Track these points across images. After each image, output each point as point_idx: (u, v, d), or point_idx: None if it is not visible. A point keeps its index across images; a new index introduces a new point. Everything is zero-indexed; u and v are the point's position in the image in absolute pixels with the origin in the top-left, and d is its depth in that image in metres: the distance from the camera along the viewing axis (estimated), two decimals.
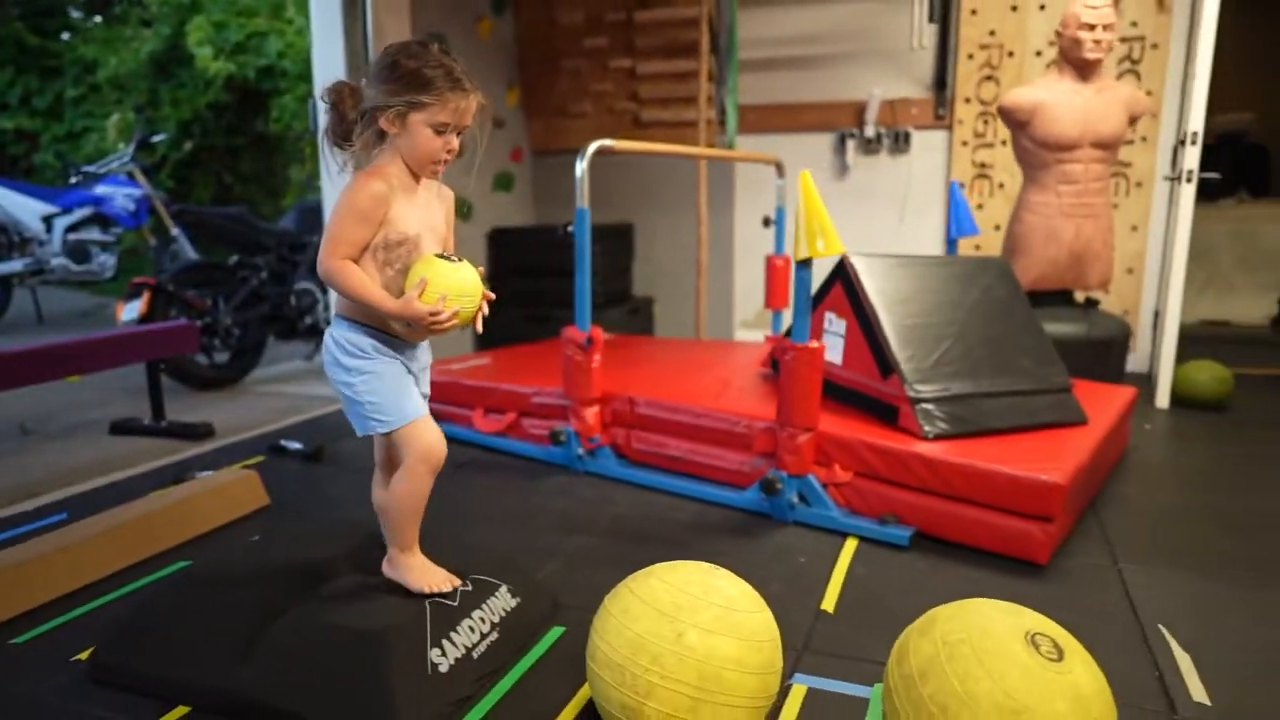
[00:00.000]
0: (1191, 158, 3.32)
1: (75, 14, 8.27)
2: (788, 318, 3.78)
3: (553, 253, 4.62)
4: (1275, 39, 6.47)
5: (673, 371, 3.13)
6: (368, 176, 1.45)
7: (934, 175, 4.42)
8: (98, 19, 8.10)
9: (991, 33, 4.18)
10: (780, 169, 3.59)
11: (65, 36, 7.96)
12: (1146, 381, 3.78)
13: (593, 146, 2.61)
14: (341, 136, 1.50)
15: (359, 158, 1.51)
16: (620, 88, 4.85)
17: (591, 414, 2.71)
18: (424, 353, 1.61)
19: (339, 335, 1.51)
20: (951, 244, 3.13)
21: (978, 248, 4.28)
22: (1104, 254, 3.24)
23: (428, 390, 1.62)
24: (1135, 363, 4.06)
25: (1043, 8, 4.07)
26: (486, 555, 1.76)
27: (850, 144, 4.49)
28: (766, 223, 3.71)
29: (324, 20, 3.64)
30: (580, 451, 2.72)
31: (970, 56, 4.24)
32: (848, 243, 4.56)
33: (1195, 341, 4.96)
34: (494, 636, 1.58)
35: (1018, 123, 3.21)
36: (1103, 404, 2.67)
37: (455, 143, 1.48)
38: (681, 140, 4.42)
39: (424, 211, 1.52)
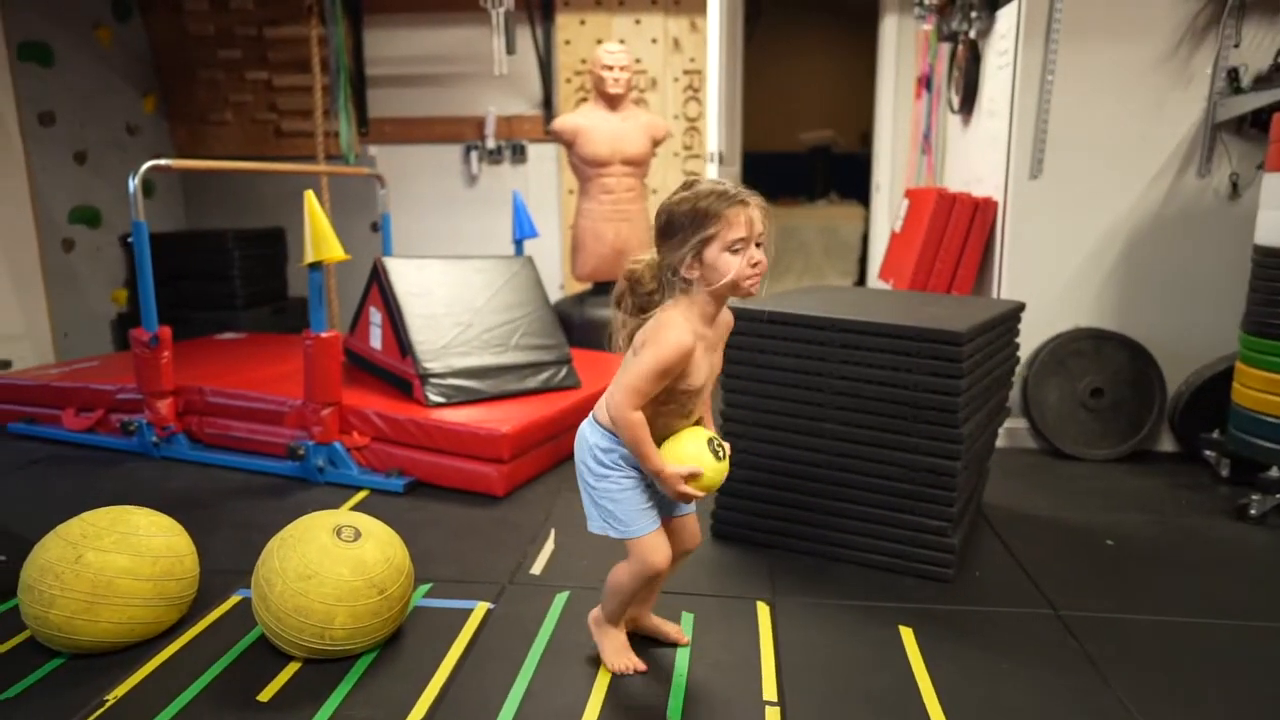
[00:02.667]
0: (711, 172, 4.14)
1: None
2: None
3: (193, 257, 4.77)
4: (861, 69, 7.86)
5: (252, 363, 3.45)
6: (680, 331, 1.45)
7: (548, 182, 5.06)
8: None
9: (583, 60, 4.87)
10: (381, 181, 4.02)
11: None
12: None
13: (145, 165, 2.89)
14: (640, 310, 1.53)
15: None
16: (260, 98, 5.07)
17: (165, 405, 3.01)
18: None
19: (595, 440, 1.56)
20: (517, 244, 3.73)
21: None
22: (640, 251, 3.98)
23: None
24: None
25: (622, 41, 4.81)
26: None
27: (475, 154, 5.03)
28: (374, 227, 4.13)
29: None
30: (154, 439, 3.00)
31: (568, 80, 4.91)
32: (476, 244, 5.09)
33: None
34: None
35: (565, 143, 3.88)
36: (612, 371, 3.36)
37: (759, 254, 1.47)
38: (313, 150, 4.73)
39: (713, 354, 1.55)
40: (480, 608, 1.93)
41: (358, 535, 1.73)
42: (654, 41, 4.84)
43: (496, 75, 4.26)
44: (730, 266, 1.44)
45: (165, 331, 2.99)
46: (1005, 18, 3.11)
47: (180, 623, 1.85)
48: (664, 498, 1.59)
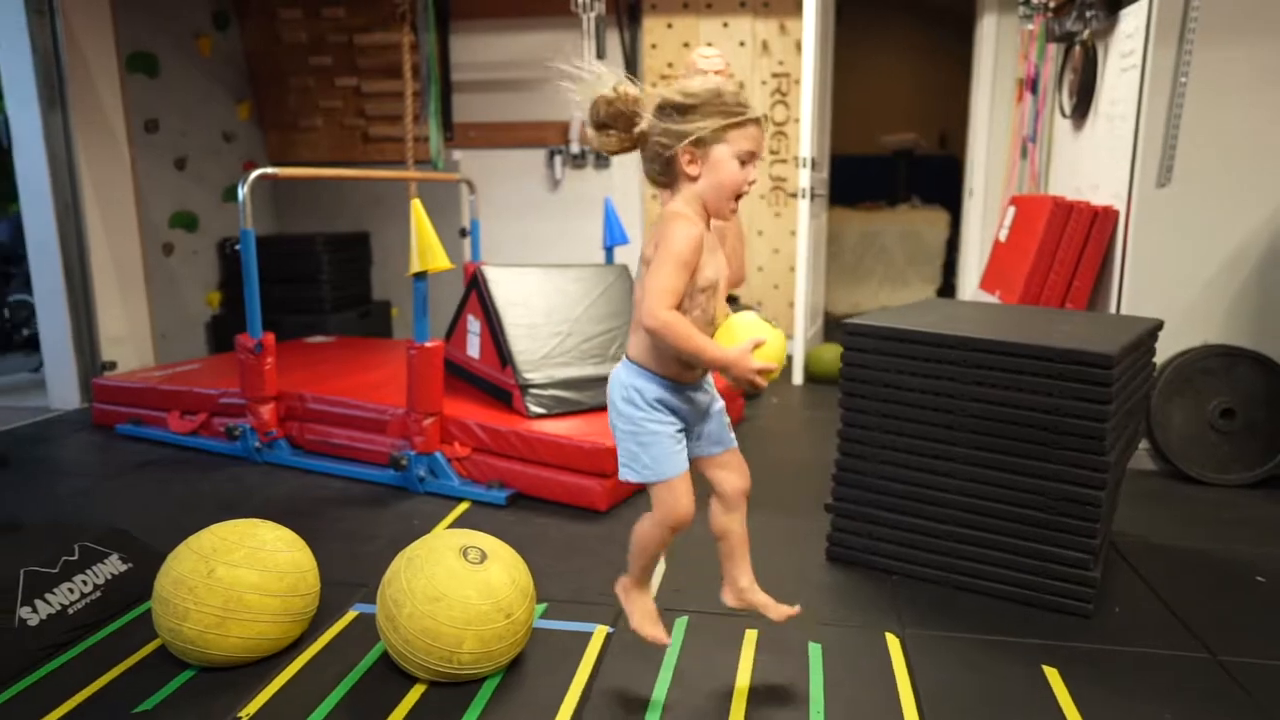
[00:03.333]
0: (805, 178, 4.05)
1: None
2: None
3: (283, 261, 4.86)
4: (941, 71, 7.66)
5: (349, 370, 3.47)
6: (683, 222, 1.42)
7: (632, 188, 5.02)
8: None
9: (670, 64, 4.82)
10: (471, 187, 4.03)
11: None
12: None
13: (254, 174, 2.92)
14: (601, 124, 1.49)
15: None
16: (349, 104, 5.13)
17: (267, 410, 3.04)
18: (708, 389, 1.59)
19: (626, 379, 1.51)
20: (608, 251, 3.69)
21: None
22: (732, 259, 3.89)
23: (722, 410, 1.61)
24: (791, 346, 4.82)
25: (709, 44, 4.74)
26: (104, 530, 2.07)
27: (559, 159, 5.01)
28: (463, 233, 4.14)
29: (8, 32, 3.60)
30: (257, 444, 3.04)
31: (654, 85, 4.84)
32: (560, 249, 5.08)
33: None
34: (96, 596, 1.91)
35: None
36: None
37: (754, 174, 1.46)
38: (400, 155, 4.77)
39: (717, 255, 1.50)
40: (600, 631, 1.89)
41: (484, 557, 1.70)
42: (742, 44, 4.76)
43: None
44: (734, 173, 1.42)
45: (269, 338, 3.02)
46: (1131, 17, 2.95)
47: (301, 638, 1.84)
48: (706, 433, 1.56)
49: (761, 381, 1.45)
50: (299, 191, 5.38)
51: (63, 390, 3.93)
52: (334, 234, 5.04)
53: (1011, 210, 3.54)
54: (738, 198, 1.46)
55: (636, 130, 1.47)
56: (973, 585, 2.06)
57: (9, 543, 1.97)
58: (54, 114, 3.73)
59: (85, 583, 1.91)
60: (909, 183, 7.11)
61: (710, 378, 1.59)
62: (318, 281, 4.84)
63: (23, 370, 4.79)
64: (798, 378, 4.28)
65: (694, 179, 1.44)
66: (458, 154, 5.05)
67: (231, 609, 1.67)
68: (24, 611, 1.77)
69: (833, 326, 5.47)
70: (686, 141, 1.41)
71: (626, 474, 1.53)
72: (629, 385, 1.51)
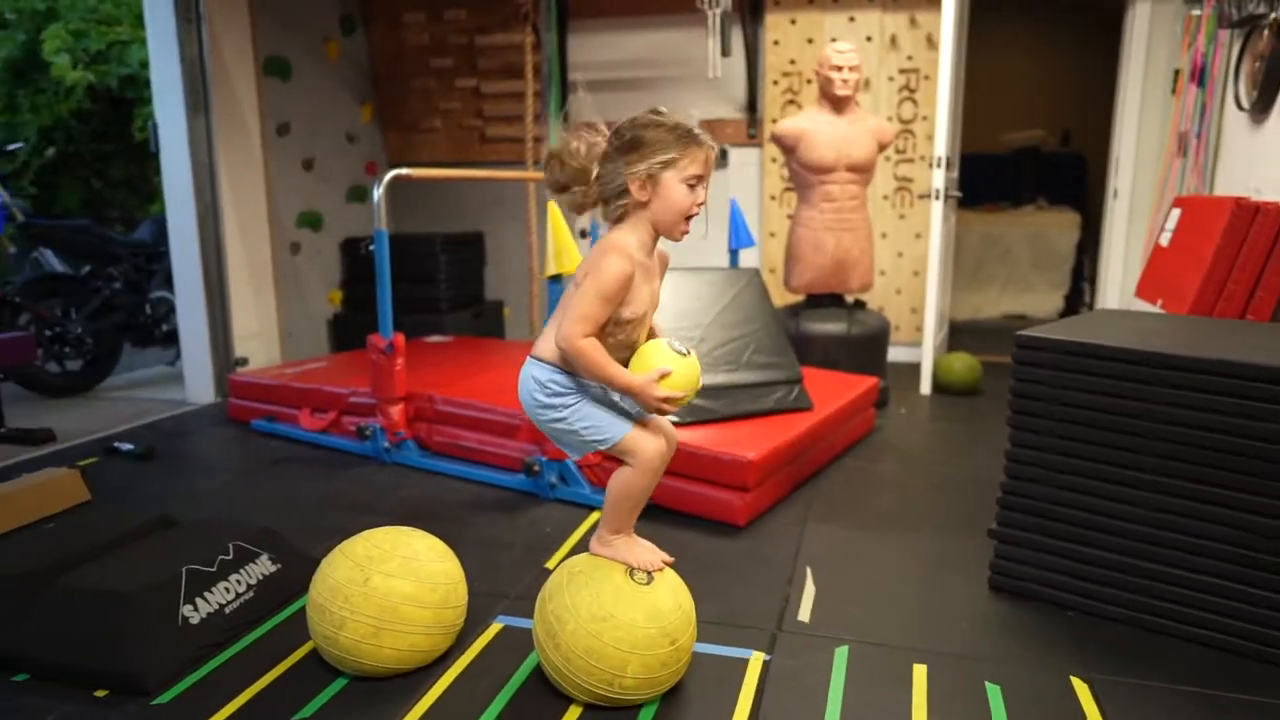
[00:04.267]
0: (939, 178, 3.85)
1: None
2: None
3: (404, 261, 4.92)
4: (1074, 67, 7.25)
5: (474, 370, 3.47)
6: (617, 258, 1.49)
7: (749, 188, 4.89)
8: None
9: (792, 61, 4.67)
10: None
11: None
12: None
13: (389, 175, 2.94)
14: (557, 188, 1.56)
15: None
16: (467, 106, 5.17)
17: (396, 411, 3.05)
18: None
19: (541, 377, 1.57)
20: (733, 254, 3.58)
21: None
22: (862, 262, 3.74)
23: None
24: (919, 354, 4.60)
25: (834, 40, 4.57)
26: (255, 530, 2.08)
27: None
28: (582, 234, 4.10)
29: (160, 40, 3.78)
30: (386, 445, 3.06)
31: (775, 83, 4.72)
32: (675, 251, 5.00)
33: (993, 334, 5.59)
34: (249, 595, 1.92)
35: (786, 148, 3.69)
36: (840, 392, 3.16)
37: (704, 196, 1.53)
38: (516, 155, 4.77)
39: (652, 283, 1.58)
40: (755, 659, 1.78)
41: (650, 578, 1.62)
42: (869, 39, 4.58)
43: (710, 78, 4.13)
44: (682, 197, 1.50)
45: (400, 339, 3.03)
46: None
47: (449, 650, 1.80)
48: (627, 407, 1.61)
49: (668, 408, 1.55)
50: (414, 191, 5.46)
51: (199, 385, 4.07)
52: (451, 234, 5.09)
53: (1176, 212, 3.26)
54: (688, 219, 1.54)
55: (592, 180, 1.54)
56: (1168, 628, 1.86)
57: (168, 540, 2.00)
58: (198, 118, 3.86)
59: (239, 582, 1.92)
60: (1035, 183, 6.75)
61: None
62: (435, 281, 4.89)
63: (159, 364, 5.01)
64: (925, 387, 4.08)
65: (644, 204, 1.51)
66: None
67: (386, 619, 1.63)
68: (186, 609, 1.78)
69: (956, 333, 5.22)
70: (638, 174, 1.48)
71: (596, 446, 1.59)
72: (546, 381, 1.57)
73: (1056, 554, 1.99)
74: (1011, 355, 2.05)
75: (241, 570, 1.94)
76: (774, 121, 4.75)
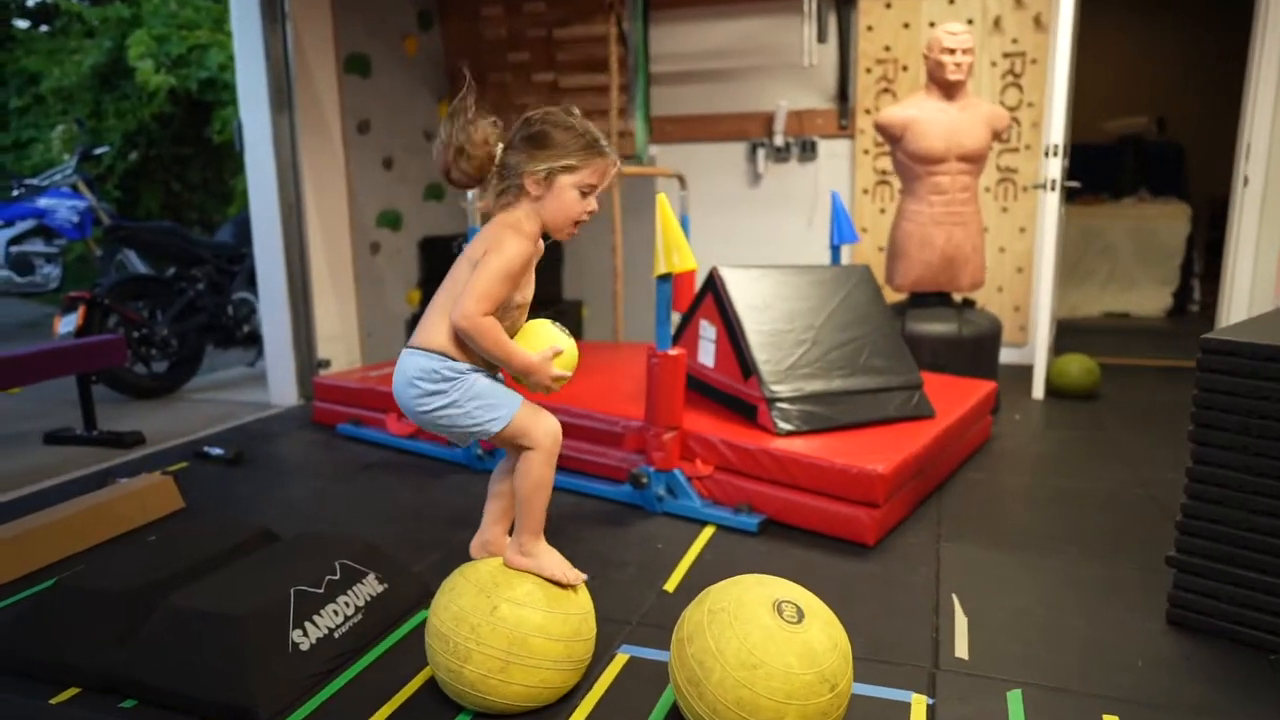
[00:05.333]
0: (1053, 168, 3.59)
1: (20, 24, 8.32)
2: None
3: None
4: (1169, 50, 6.85)
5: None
6: (520, 238, 1.50)
7: (840, 182, 4.67)
8: (43, 28, 8.16)
9: (887, 48, 4.43)
10: (682, 181, 3.81)
11: (7, 48, 8.01)
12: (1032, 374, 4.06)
13: None
14: (457, 182, 1.54)
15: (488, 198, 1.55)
16: (544, 100, 5.00)
17: None
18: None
19: (426, 366, 1.52)
20: (834, 250, 3.38)
21: (881, 249, 4.54)
22: (974, 258, 3.50)
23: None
24: (1024, 356, 4.34)
25: (933, 24, 4.33)
26: (359, 546, 1.96)
27: (761, 153, 4.73)
28: None
29: (246, 40, 3.77)
30: (479, 452, 2.93)
31: (868, 70, 4.49)
32: (762, 246, 4.83)
33: (1096, 333, 5.28)
34: (357, 619, 1.80)
35: (892, 138, 3.47)
36: (959, 398, 2.93)
37: (595, 205, 1.55)
38: None
39: (531, 275, 1.59)
40: (918, 702, 1.59)
41: (801, 615, 1.44)
42: (970, 22, 4.32)
43: (805, 66, 3.93)
44: (574, 205, 1.53)
45: None
46: None
47: (577, 685, 1.65)
48: None
49: (556, 387, 1.57)
50: None
51: (282, 387, 4.02)
52: None
53: None
54: (577, 224, 1.55)
55: (494, 168, 1.53)
56: None
57: (272, 557, 1.89)
58: (282, 118, 3.79)
59: (348, 604, 1.80)
60: (1136, 173, 6.37)
61: None
62: None
63: (240, 365, 5.00)
64: (1038, 391, 3.82)
65: (537, 198, 1.52)
66: (653, 149, 4.87)
67: (515, 653, 1.49)
68: (296, 634, 1.66)
69: (1061, 333, 4.91)
70: (538, 173, 1.49)
71: (491, 425, 1.53)
72: (431, 370, 1.52)
73: (1252, 587, 1.76)
74: (1196, 361, 1.82)
75: (349, 591, 1.82)
76: (868, 112, 4.52)
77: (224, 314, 4.60)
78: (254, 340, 4.69)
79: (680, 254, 2.35)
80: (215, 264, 4.66)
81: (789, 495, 2.38)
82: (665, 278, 2.43)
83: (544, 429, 1.56)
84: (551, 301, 5.09)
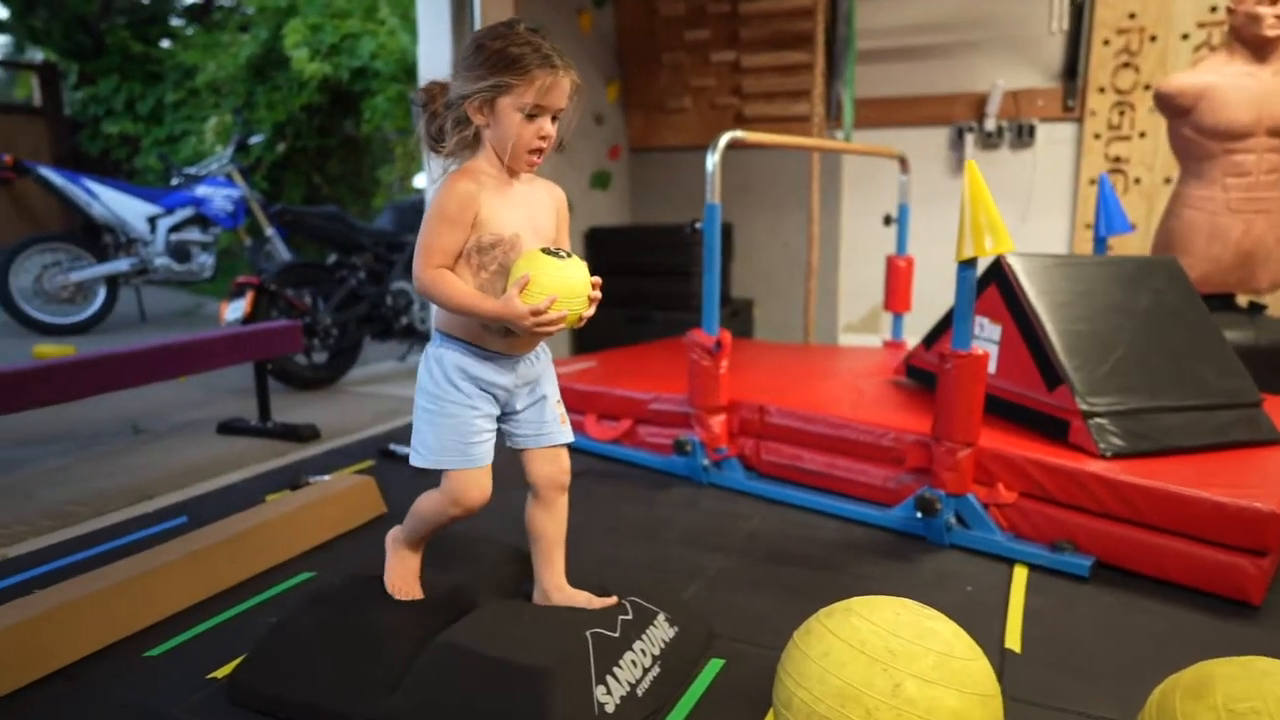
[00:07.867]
0: None
1: (176, 22, 8.50)
2: (909, 322, 3.57)
3: (653, 252, 4.50)
4: None
5: (796, 378, 2.96)
6: (455, 177, 1.37)
7: (1061, 171, 4.14)
8: (198, 25, 8.32)
9: (1132, 15, 3.88)
10: (904, 164, 3.38)
11: (166, 44, 8.17)
12: None
13: (725, 138, 2.47)
14: (435, 138, 1.41)
15: (461, 158, 1.41)
16: (723, 82, 4.68)
17: (718, 422, 2.56)
18: (532, 364, 1.49)
19: (430, 351, 1.45)
20: (1100, 242, 2.89)
21: (1110, 248, 3.98)
22: (1276, 252, 2.94)
23: (552, 392, 1.55)
24: None
25: None
26: (636, 577, 1.61)
27: (969, 138, 4.24)
28: (888, 221, 3.50)
29: (431, 18, 3.57)
30: (705, 463, 2.56)
31: (1106, 42, 3.95)
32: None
33: None
34: (655, 671, 1.44)
35: (1180, 109, 2.94)
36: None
37: (550, 128, 1.36)
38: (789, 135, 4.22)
39: (525, 210, 1.41)
40: None
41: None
42: None
43: (1050, 33, 3.44)
44: (519, 130, 1.34)
45: (727, 337, 2.54)
46: None
47: None
48: (523, 419, 1.49)
49: (548, 329, 1.34)
50: (654, 180, 5.04)
51: None
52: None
53: None
54: (536, 152, 1.37)
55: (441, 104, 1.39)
56: None
57: None
58: None
59: (644, 652, 1.44)
60: None
61: (545, 356, 1.52)
62: (688, 275, 4.42)
63: (390, 359, 4.80)
64: None
65: (486, 128, 1.37)
66: (838, 135, 4.44)
67: None
68: (599, 692, 1.31)
69: None
70: (473, 98, 1.33)
71: (414, 458, 1.44)
72: (430, 357, 1.44)
73: None
74: None
75: (644, 637, 1.46)
76: (1101, 90, 3.98)
77: (383, 304, 4.40)
78: (410, 332, 4.47)
79: (995, 235, 1.92)
80: (375, 252, 4.47)
81: (1126, 532, 1.91)
82: (970, 263, 2.00)
83: (455, 497, 1.44)
84: (724, 299, 4.70)
